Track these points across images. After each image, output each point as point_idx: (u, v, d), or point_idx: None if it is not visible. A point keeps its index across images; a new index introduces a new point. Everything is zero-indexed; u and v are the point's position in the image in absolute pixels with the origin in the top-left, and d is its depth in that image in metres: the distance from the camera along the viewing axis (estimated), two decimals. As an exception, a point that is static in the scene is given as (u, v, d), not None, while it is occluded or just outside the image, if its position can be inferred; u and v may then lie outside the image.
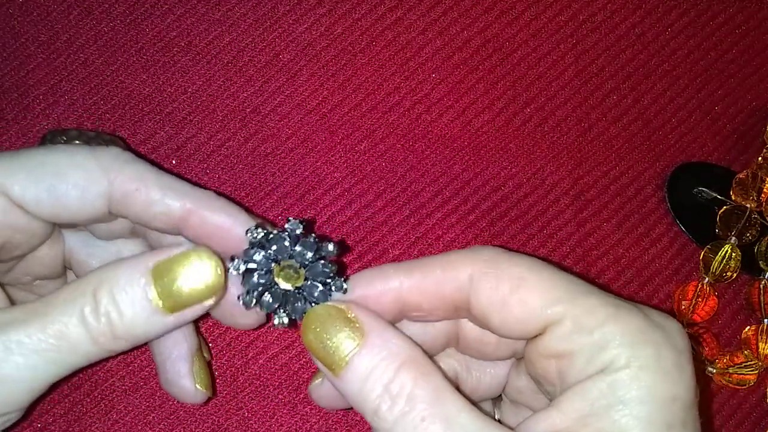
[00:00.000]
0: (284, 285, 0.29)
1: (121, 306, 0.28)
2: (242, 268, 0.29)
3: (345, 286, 0.29)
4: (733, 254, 0.42)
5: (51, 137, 0.37)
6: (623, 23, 0.46)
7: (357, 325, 0.27)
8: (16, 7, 0.42)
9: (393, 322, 0.29)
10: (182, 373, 0.33)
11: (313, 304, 0.29)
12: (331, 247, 0.29)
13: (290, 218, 0.30)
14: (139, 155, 0.32)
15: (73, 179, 0.29)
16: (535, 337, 0.27)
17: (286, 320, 0.29)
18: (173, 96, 0.42)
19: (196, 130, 0.41)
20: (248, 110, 0.42)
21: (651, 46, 0.46)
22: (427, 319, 0.30)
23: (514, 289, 0.27)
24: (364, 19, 0.44)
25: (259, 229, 0.29)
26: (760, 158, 0.43)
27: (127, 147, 0.40)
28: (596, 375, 0.25)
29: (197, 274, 0.28)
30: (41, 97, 0.41)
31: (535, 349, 0.27)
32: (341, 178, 0.42)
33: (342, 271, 0.29)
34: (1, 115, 0.40)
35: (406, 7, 0.44)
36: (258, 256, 0.29)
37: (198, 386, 0.33)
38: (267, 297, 0.29)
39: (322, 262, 0.29)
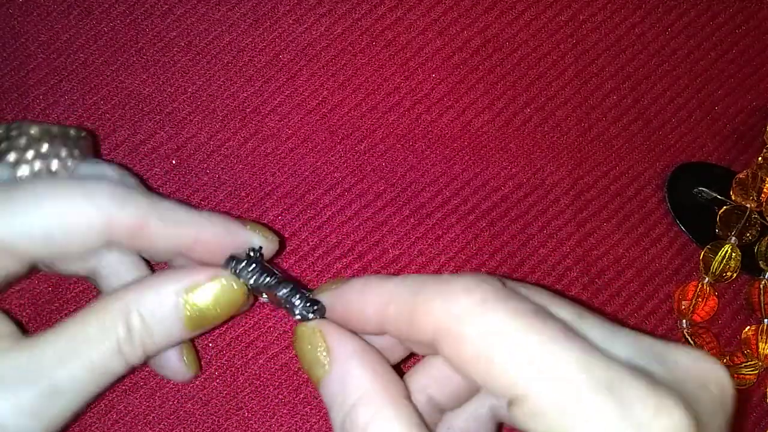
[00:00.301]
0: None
1: (154, 330, 0.29)
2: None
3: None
4: (733, 254, 0.42)
5: (5, 133, 0.33)
6: (623, 23, 0.46)
7: (324, 345, 0.28)
8: (16, 7, 0.42)
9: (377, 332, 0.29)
10: (172, 355, 0.34)
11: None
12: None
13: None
14: (98, 147, 0.32)
15: (70, 230, 0.29)
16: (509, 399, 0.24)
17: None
18: (173, 96, 0.42)
19: (196, 130, 0.41)
20: (248, 110, 0.42)
21: (651, 46, 0.46)
22: (408, 346, 0.30)
23: (474, 357, 0.24)
24: (364, 19, 0.44)
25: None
26: (760, 158, 0.43)
27: (95, 142, 0.40)
28: None
29: (227, 296, 0.30)
30: (41, 97, 0.41)
31: (514, 410, 0.24)
32: (341, 178, 0.42)
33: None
34: (1, 115, 0.40)
35: (406, 7, 0.44)
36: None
37: (187, 364, 0.34)
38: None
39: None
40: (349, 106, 0.43)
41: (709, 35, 0.47)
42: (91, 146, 0.35)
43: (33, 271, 0.31)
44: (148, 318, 0.29)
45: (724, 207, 0.43)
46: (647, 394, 0.22)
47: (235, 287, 0.30)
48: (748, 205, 0.42)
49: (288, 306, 0.30)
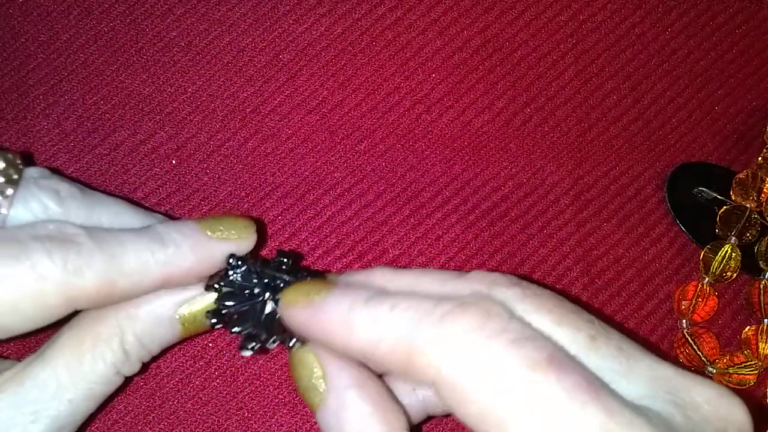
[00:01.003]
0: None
1: (150, 346, 0.29)
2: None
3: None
4: (733, 254, 0.42)
5: None
6: (623, 23, 0.46)
7: (317, 375, 0.27)
8: (16, 7, 0.42)
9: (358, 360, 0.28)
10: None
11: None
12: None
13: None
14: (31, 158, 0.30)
15: (21, 314, 0.25)
16: None
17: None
18: (173, 96, 0.42)
19: (196, 130, 0.41)
20: (248, 110, 0.42)
21: (651, 46, 0.46)
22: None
23: (481, 418, 0.22)
24: (364, 19, 0.44)
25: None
26: (760, 158, 0.43)
27: (30, 160, 0.38)
28: None
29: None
30: (41, 97, 0.41)
31: None
32: (341, 178, 0.42)
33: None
34: (1, 115, 0.40)
35: (406, 7, 0.44)
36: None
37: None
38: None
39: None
40: (349, 106, 0.43)
41: (709, 35, 0.47)
42: (22, 165, 0.30)
43: None
44: (144, 337, 0.28)
45: (724, 207, 0.43)
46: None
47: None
48: (748, 205, 0.42)
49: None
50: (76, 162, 0.40)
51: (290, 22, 0.43)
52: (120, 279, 0.26)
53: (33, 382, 0.27)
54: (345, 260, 0.41)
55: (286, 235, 0.40)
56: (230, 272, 0.30)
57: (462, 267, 0.41)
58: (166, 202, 0.40)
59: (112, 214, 0.30)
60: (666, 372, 0.24)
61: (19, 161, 0.29)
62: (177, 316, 0.29)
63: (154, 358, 0.33)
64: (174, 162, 0.41)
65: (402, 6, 0.44)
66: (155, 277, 0.28)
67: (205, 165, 0.41)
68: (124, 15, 0.42)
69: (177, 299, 0.29)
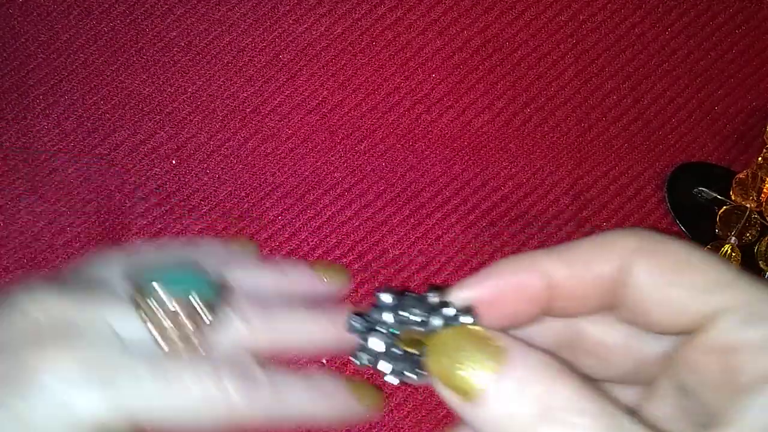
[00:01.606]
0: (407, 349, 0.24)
1: None
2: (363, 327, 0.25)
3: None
4: (733, 254, 0.42)
5: (140, 291, 0.28)
6: (623, 23, 0.46)
7: (494, 344, 0.22)
8: (16, 7, 0.42)
9: (531, 320, 0.25)
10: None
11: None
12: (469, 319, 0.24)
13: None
14: None
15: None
16: (694, 333, 0.22)
17: (396, 380, 0.25)
18: (173, 96, 0.42)
19: (196, 130, 0.41)
20: (248, 110, 0.42)
21: (651, 46, 0.46)
22: (571, 314, 0.25)
23: (677, 269, 0.22)
24: (364, 19, 0.44)
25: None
26: (760, 158, 0.43)
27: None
28: None
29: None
30: (41, 97, 0.41)
31: (694, 347, 0.21)
32: (341, 178, 0.42)
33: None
34: (1, 115, 0.40)
35: (406, 7, 0.44)
36: (386, 317, 0.24)
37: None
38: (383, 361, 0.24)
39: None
40: (349, 106, 0.43)
41: (709, 35, 0.46)
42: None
43: None
44: None
45: (724, 207, 0.43)
46: None
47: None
48: (748, 205, 0.42)
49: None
50: (76, 162, 0.40)
51: (290, 22, 0.43)
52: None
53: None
54: (345, 260, 0.41)
55: (286, 235, 0.40)
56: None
57: (462, 267, 0.41)
58: (166, 202, 0.40)
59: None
60: None
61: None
62: None
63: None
64: (174, 162, 0.41)
65: (402, 6, 0.44)
66: None
67: (205, 165, 0.41)
68: (124, 15, 0.43)
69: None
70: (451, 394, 0.21)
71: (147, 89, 0.42)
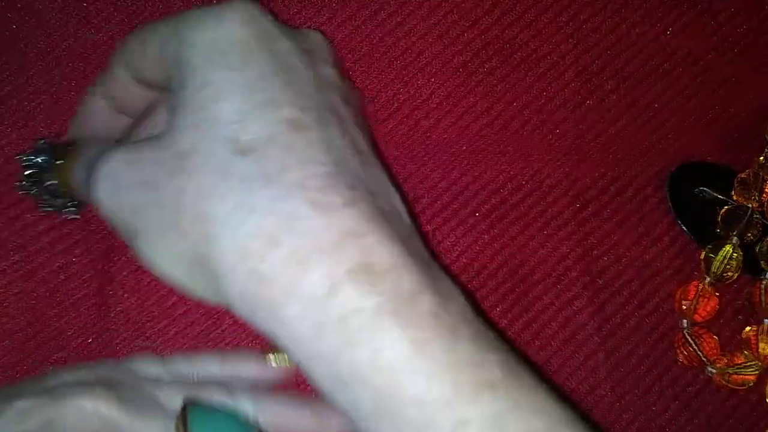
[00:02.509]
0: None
1: None
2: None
3: None
4: (735, 254, 0.42)
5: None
6: (623, 23, 0.45)
7: None
8: (15, 13, 0.42)
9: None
10: None
11: None
12: None
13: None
14: None
15: None
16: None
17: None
18: (173, 102, 0.42)
19: (196, 136, 0.41)
20: (248, 115, 0.42)
21: (651, 46, 0.45)
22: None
23: None
24: (364, 25, 0.43)
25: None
26: (762, 158, 0.43)
27: None
28: None
29: None
30: (42, 105, 0.41)
31: None
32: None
33: None
34: (1, 119, 0.40)
35: (406, 11, 0.43)
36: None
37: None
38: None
39: None
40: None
41: (709, 35, 0.46)
42: None
43: None
44: None
45: (726, 207, 0.43)
46: None
47: None
48: (750, 205, 0.42)
49: None
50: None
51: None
52: None
53: None
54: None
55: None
56: None
57: (463, 272, 0.41)
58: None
59: None
60: None
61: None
62: None
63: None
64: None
65: (402, 11, 0.43)
66: None
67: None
68: (122, 23, 0.42)
69: None
70: None
71: (147, 94, 0.42)
